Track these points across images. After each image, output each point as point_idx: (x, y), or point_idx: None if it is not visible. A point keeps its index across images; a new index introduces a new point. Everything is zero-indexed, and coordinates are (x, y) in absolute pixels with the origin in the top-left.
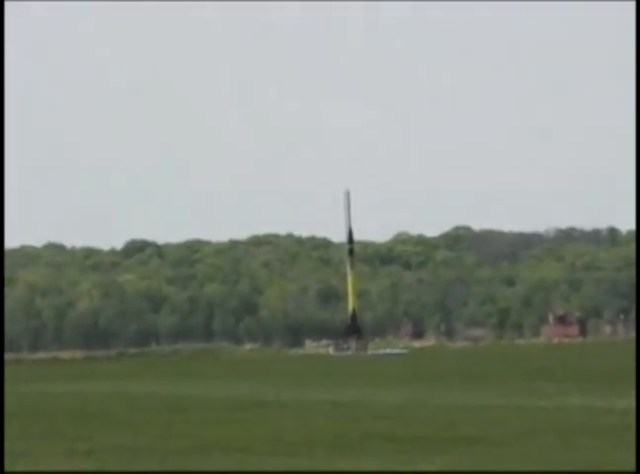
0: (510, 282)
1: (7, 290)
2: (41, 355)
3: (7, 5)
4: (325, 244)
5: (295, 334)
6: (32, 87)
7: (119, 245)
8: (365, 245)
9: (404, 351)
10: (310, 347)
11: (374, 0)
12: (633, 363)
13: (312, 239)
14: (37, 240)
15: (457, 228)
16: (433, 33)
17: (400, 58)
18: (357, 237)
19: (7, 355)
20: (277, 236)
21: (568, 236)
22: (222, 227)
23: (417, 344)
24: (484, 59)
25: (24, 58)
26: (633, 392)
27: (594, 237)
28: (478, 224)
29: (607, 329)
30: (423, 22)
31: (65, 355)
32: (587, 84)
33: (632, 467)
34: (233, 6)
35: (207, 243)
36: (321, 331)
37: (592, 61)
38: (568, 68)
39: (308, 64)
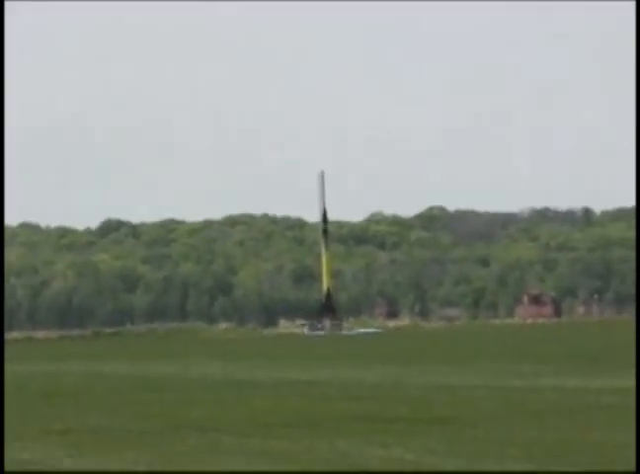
0: (484, 262)
1: None
2: (16, 334)
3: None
4: (299, 224)
5: (270, 313)
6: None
7: (94, 225)
8: (340, 225)
9: (378, 330)
10: (284, 326)
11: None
12: (607, 344)
13: (287, 219)
14: (11, 219)
15: (432, 208)
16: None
17: (368, 40)
18: (331, 217)
19: None
20: (251, 216)
21: (543, 216)
22: (197, 207)
23: (391, 323)
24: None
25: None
26: (607, 372)
27: (568, 217)
28: (453, 204)
29: (581, 309)
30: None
31: (40, 334)
32: (564, 67)
33: (608, 447)
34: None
35: (182, 223)
36: (295, 310)
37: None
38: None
39: (285, 53)
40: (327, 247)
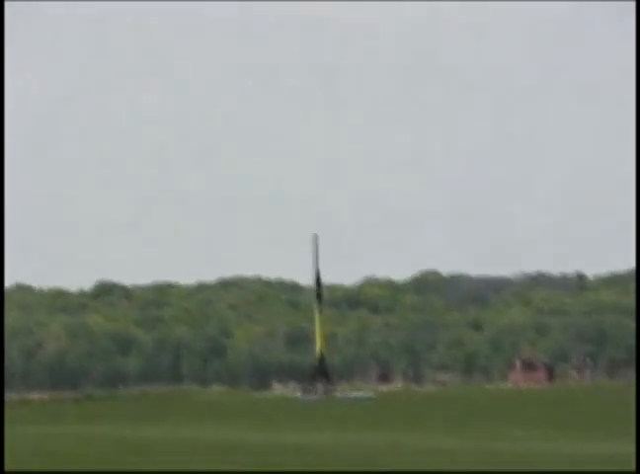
0: (477, 327)
1: None
2: (10, 395)
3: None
4: (293, 287)
5: (263, 376)
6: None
7: (87, 287)
8: (333, 288)
9: (371, 394)
10: (278, 389)
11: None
12: (599, 409)
13: (280, 282)
14: (5, 281)
15: (425, 272)
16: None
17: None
18: (325, 280)
19: None
20: (244, 279)
21: (535, 281)
22: (190, 270)
23: (384, 388)
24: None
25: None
26: (599, 438)
27: (561, 282)
28: (446, 269)
29: (574, 374)
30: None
31: (33, 396)
32: (562, 123)
33: None
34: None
35: (176, 286)
36: (289, 374)
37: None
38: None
39: (280, 97)
40: (320, 311)
